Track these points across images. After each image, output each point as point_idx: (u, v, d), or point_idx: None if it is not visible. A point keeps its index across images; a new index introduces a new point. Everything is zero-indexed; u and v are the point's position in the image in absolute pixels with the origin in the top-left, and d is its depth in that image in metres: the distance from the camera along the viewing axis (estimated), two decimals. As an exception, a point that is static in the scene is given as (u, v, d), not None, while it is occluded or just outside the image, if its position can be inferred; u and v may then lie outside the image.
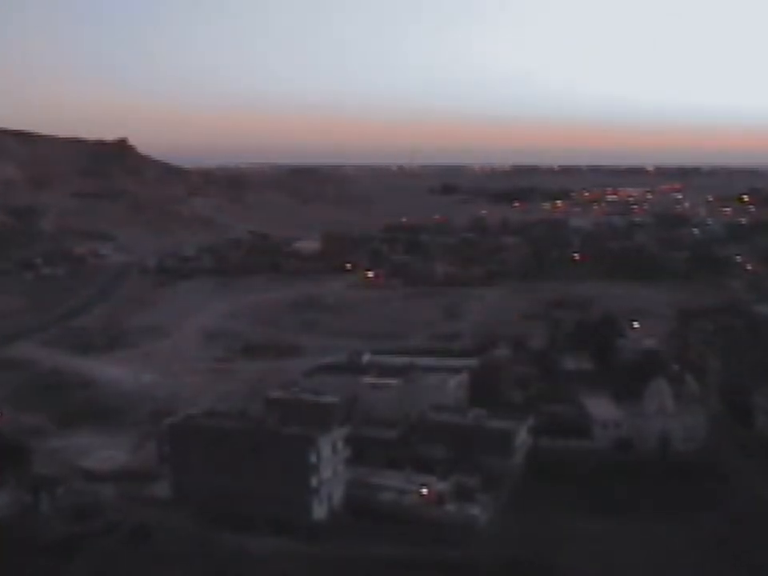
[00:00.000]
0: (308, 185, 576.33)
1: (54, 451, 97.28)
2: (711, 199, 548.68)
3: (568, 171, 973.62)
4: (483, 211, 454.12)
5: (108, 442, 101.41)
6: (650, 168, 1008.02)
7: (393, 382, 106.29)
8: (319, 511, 78.72)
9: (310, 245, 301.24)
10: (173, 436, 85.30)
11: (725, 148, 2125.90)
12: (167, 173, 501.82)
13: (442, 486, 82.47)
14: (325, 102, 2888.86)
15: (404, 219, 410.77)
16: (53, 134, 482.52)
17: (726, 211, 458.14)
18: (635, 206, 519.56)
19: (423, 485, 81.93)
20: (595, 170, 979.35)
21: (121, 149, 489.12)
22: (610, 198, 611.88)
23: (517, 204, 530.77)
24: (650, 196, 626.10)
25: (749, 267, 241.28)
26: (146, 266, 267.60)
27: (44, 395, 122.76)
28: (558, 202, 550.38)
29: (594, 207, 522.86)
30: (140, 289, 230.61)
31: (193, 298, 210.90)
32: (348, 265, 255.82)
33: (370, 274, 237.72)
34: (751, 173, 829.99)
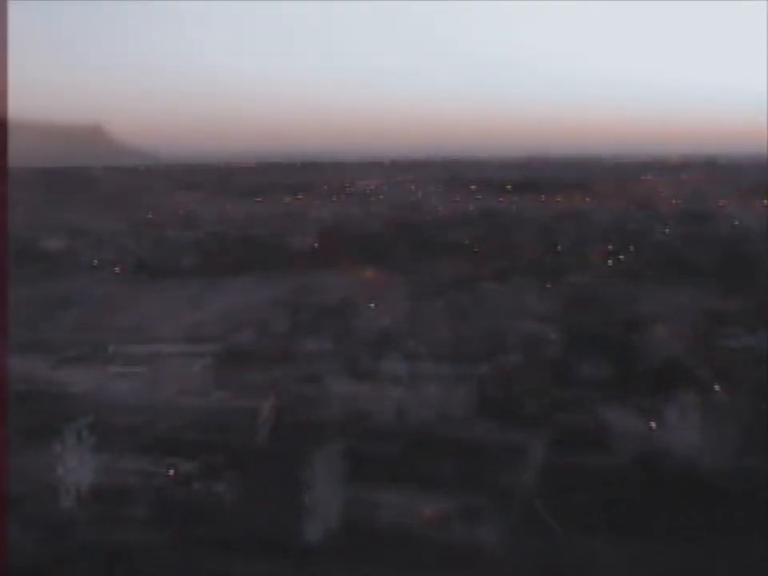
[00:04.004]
0: (302, 176, 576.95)
1: (22, 468, 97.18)
2: (743, 191, 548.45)
3: (586, 161, 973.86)
4: (494, 204, 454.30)
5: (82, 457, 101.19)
6: (675, 157, 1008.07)
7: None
8: (312, 532, 78.74)
9: (304, 241, 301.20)
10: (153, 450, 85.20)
11: (758, 135, 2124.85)
12: (147, 162, 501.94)
13: (447, 505, 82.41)
14: (319, 86, 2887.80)
15: (406, 213, 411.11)
16: (20, 118, 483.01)
17: (759, 205, 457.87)
18: (659, 199, 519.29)
19: (426, 504, 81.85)
20: (616, 160, 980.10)
21: (95, 135, 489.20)
22: (632, 189, 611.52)
23: (530, 196, 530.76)
24: (675, 188, 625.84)
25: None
26: (123, 263, 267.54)
27: (9, 407, 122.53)
28: (576, 194, 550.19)
29: (615, 200, 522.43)
30: (117, 289, 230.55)
31: (175, 299, 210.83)
32: (345, 263, 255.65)
33: (370, 273, 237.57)
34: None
